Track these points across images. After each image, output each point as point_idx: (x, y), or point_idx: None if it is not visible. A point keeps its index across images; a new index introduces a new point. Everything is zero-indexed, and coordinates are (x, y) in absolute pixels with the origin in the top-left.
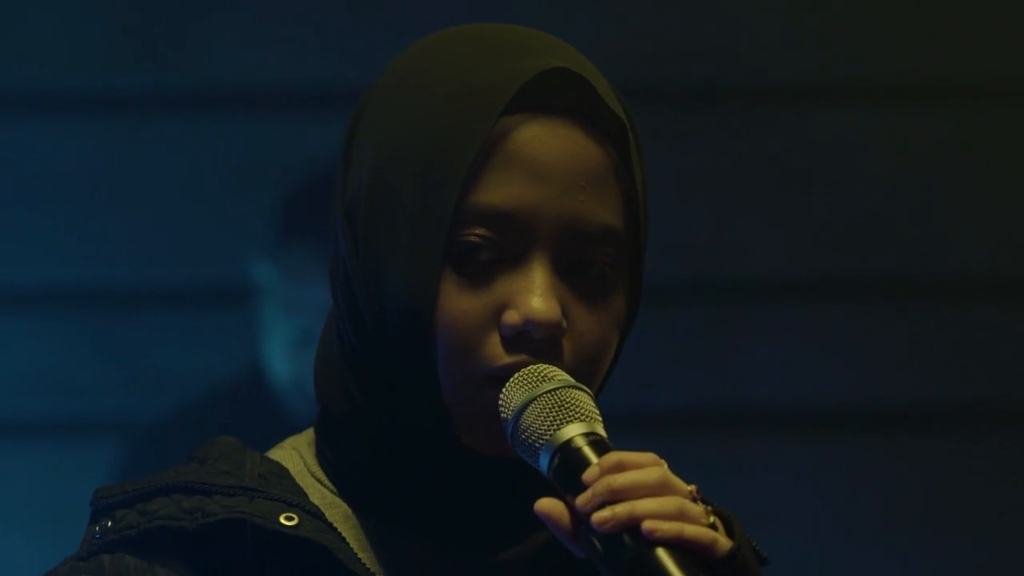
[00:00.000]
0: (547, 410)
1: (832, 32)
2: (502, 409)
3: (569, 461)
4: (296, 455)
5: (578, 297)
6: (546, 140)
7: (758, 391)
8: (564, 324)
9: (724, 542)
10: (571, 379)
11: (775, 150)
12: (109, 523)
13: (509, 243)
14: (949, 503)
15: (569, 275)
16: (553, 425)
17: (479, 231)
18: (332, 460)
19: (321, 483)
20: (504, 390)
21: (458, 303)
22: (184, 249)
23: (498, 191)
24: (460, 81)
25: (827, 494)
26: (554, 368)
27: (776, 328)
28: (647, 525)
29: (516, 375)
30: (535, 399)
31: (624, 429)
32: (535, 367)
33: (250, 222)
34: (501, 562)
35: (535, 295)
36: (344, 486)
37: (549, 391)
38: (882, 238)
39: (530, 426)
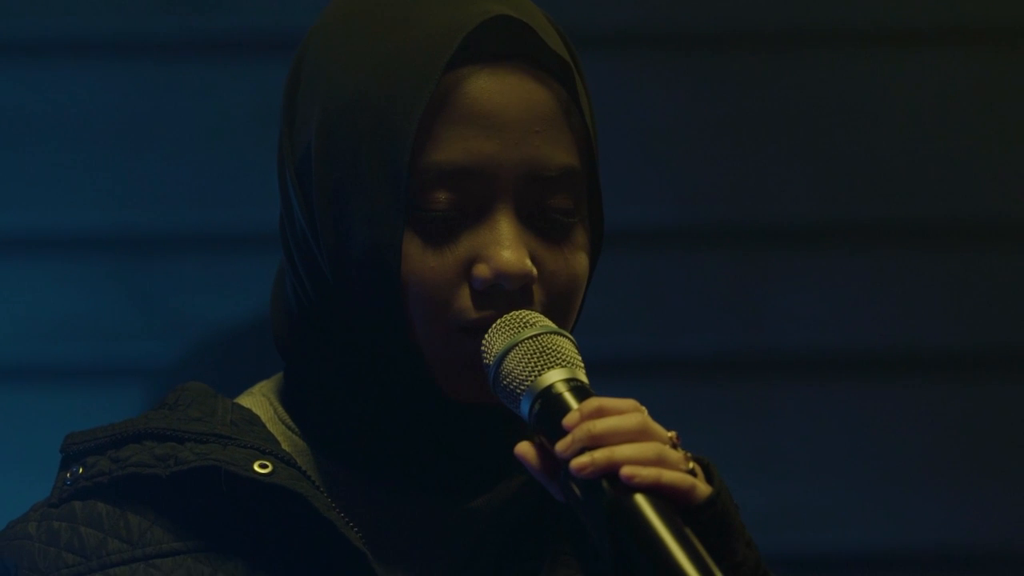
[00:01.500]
0: (529, 356)
1: None
2: (484, 355)
3: (550, 407)
4: (266, 402)
5: (544, 240)
6: (496, 89)
7: (788, 337)
8: (534, 272)
9: (703, 488)
10: (553, 325)
11: (806, 94)
12: (80, 470)
13: (471, 197)
14: (984, 448)
15: (533, 220)
16: (535, 371)
17: (439, 189)
18: (302, 409)
19: (291, 430)
20: (487, 336)
21: (425, 261)
22: (210, 194)
23: (454, 147)
24: (401, 34)
25: (860, 440)
26: (537, 314)
27: (807, 273)
28: (625, 471)
29: (499, 320)
30: (517, 345)
31: (653, 375)
32: (518, 313)
33: (275, 167)
34: (470, 509)
35: (503, 247)
36: (314, 434)
37: (531, 337)
38: (914, 182)
39: (511, 372)
